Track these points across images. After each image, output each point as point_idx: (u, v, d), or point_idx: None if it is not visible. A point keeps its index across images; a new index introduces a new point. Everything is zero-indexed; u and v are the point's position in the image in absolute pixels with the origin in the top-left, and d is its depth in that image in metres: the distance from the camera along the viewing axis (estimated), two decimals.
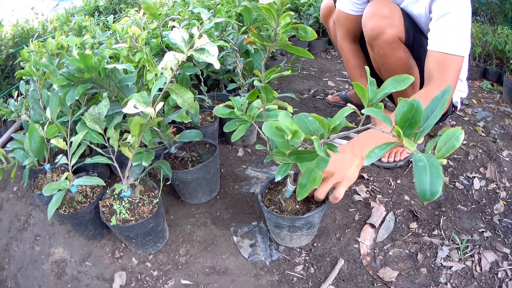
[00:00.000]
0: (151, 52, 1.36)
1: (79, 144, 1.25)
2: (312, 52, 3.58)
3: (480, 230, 1.33)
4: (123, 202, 1.24)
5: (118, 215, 1.21)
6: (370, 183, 1.58)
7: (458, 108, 1.77)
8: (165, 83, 1.04)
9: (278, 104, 1.06)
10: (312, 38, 0.86)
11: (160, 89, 1.06)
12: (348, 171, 1.12)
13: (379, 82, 1.83)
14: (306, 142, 0.96)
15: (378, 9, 1.49)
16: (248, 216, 1.45)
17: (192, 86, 1.83)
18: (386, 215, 1.41)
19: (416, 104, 0.65)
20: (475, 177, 1.61)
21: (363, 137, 1.23)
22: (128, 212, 1.22)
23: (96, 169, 1.61)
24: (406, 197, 1.50)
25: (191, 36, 1.00)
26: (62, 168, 1.49)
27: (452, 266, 1.20)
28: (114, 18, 3.18)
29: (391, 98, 1.94)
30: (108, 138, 1.22)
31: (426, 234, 1.33)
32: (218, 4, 1.86)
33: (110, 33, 1.73)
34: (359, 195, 1.51)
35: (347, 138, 1.80)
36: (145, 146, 1.24)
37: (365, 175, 1.62)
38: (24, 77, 1.54)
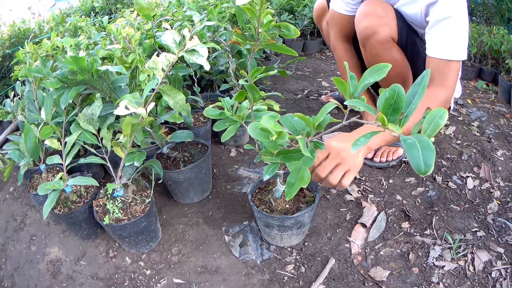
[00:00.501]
0: (144, 53, 1.37)
1: (73, 145, 1.26)
2: (306, 53, 3.59)
3: (473, 230, 1.34)
4: (116, 201, 1.25)
5: (111, 215, 1.22)
6: (362, 183, 1.59)
7: (451, 108, 1.78)
8: (157, 84, 1.05)
9: (266, 103, 1.07)
10: (295, 35, 0.87)
11: (153, 89, 1.07)
12: (356, 160, 1.14)
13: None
14: (293, 141, 0.97)
15: (372, 9, 1.49)
16: (239, 216, 1.46)
17: (185, 87, 1.84)
18: (378, 214, 1.41)
19: (397, 89, 0.65)
20: (468, 176, 1.62)
21: (367, 127, 1.23)
22: (121, 211, 1.23)
23: (90, 169, 1.62)
24: (398, 197, 1.50)
25: (183, 37, 1.01)
26: (57, 168, 1.50)
27: (444, 266, 1.20)
28: (110, 18, 3.19)
29: None
30: (102, 139, 1.23)
31: (418, 234, 1.33)
32: (212, 5, 1.87)
33: (105, 34, 1.74)
34: (351, 194, 1.52)
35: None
36: (138, 146, 1.25)
37: (357, 175, 1.63)
38: (20, 78, 1.55)
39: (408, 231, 1.35)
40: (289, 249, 1.30)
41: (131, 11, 1.80)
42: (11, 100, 1.73)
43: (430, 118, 0.61)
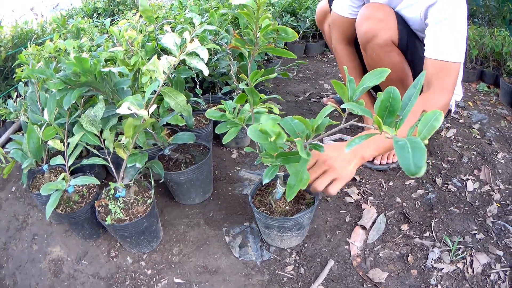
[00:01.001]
0: (146, 56, 1.38)
1: (76, 145, 1.27)
2: (308, 55, 3.60)
3: (472, 232, 1.34)
4: (118, 202, 1.26)
5: (113, 215, 1.23)
6: (362, 185, 1.59)
7: (452, 111, 1.78)
8: (158, 86, 1.06)
9: (267, 106, 1.08)
10: (293, 38, 0.87)
11: (155, 91, 1.08)
12: (346, 170, 1.12)
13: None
14: (293, 143, 0.98)
15: (372, 12, 1.50)
16: (240, 217, 1.47)
17: (188, 89, 1.85)
18: (377, 217, 1.42)
19: (392, 91, 0.66)
20: (468, 179, 1.62)
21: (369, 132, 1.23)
22: (123, 211, 1.24)
23: (92, 170, 1.63)
24: (398, 199, 1.51)
25: (184, 40, 1.03)
26: (60, 168, 1.51)
27: (443, 268, 1.21)
28: (112, 20, 3.20)
29: None
30: (104, 140, 1.24)
31: (417, 236, 1.34)
32: (214, 8, 1.88)
33: (108, 36, 1.75)
34: (351, 197, 1.53)
35: (341, 140, 1.82)
36: (140, 147, 1.26)
37: (357, 177, 1.64)
38: (23, 79, 1.56)
39: (408, 233, 1.35)
40: (288, 250, 1.31)
41: (133, 13, 1.81)
42: (14, 101, 1.75)
43: (425, 121, 0.61)
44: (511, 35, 2.68)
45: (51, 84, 1.13)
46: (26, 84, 1.66)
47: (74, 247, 1.42)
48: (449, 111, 1.79)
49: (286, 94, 2.62)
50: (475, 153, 1.80)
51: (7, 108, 1.75)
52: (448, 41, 1.32)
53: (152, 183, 1.28)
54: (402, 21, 1.51)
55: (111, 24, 1.80)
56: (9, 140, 2.16)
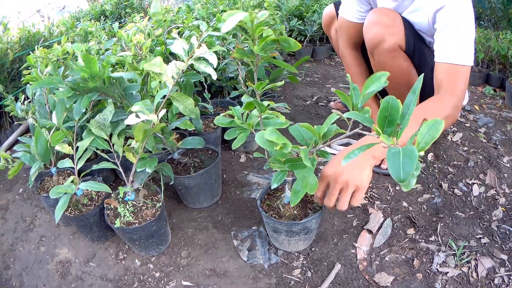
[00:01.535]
0: None
1: (85, 150, 1.28)
2: (316, 58, 3.60)
3: (477, 237, 1.35)
4: (127, 205, 1.27)
5: (122, 218, 1.24)
6: (369, 190, 1.60)
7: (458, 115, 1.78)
8: (167, 91, 1.07)
9: (274, 113, 1.09)
10: (295, 48, 0.86)
11: (165, 96, 1.09)
12: (362, 177, 1.08)
13: (381, 90, 1.86)
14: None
15: (379, 17, 1.50)
16: (248, 221, 1.48)
17: (196, 93, 1.86)
18: (384, 221, 1.43)
19: (391, 101, 0.65)
20: (474, 183, 1.62)
21: (367, 139, 1.20)
22: (132, 215, 1.25)
23: (101, 173, 1.64)
24: (404, 204, 1.52)
25: (192, 45, 1.04)
26: (68, 171, 1.52)
27: (448, 272, 1.21)
28: (120, 23, 3.21)
29: None
30: (113, 144, 1.25)
31: (423, 240, 1.34)
32: (221, 12, 1.89)
33: (116, 40, 1.76)
34: None
35: (349, 144, 1.83)
36: (149, 152, 1.27)
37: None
38: (31, 88, 1.57)
39: (413, 237, 1.36)
40: (296, 254, 1.31)
41: (141, 17, 1.82)
42: (21, 103, 1.76)
43: (424, 130, 0.60)
44: None
45: (59, 93, 1.13)
46: None
47: (82, 249, 1.43)
48: None
49: (294, 98, 2.62)
50: (481, 157, 1.80)
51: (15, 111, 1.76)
52: (457, 44, 1.32)
53: (162, 186, 1.29)
54: (409, 26, 1.51)
55: (119, 28, 1.81)
56: (17, 141, 2.17)
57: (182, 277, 1.28)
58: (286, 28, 3.35)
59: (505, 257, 1.26)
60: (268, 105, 1.03)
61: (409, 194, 1.57)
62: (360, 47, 1.84)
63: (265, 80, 0.99)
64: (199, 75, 1.36)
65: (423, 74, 0.70)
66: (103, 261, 1.37)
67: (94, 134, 1.23)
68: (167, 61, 1.54)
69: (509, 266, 1.22)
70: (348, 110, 0.81)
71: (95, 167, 1.27)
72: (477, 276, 1.20)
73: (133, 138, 1.14)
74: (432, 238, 1.35)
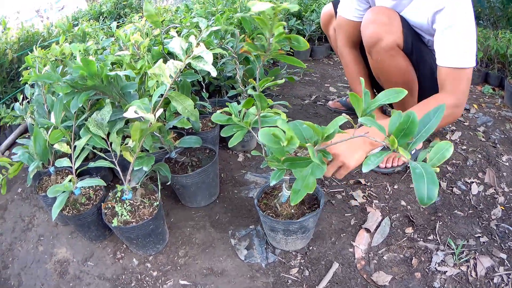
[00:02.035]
0: (153, 59, 1.39)
1: (83, 148, 1.28)
2: (314, 58, 3.60)
3: (476, 235, 1.34)
4: (125, 204, 1.27)
5: (119, 217, 1.24)
6: (367, 188, 1.60)
7: None
8: (165, 90, 1.07)
9: (274, 111, 1.09)
10: (304, 48, 0.88)
11: (162, 95, 1.09)
12: (351, 158, 1.11)
13: (379, 87, 1.85)
14: (300, 148, 0.98)
15: (377, 16, 1.50)
16: (246, 220, 1.48)
17: (194, 92, 1.86)
18: (382, 220, 1.43)
19: (412, 116, 0.68)
20: (473, 182, 1.62)
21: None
22: (129, 214, 1.25)
23: (99, 172, 1.64)
24: (403, 202, 1.52)
25: (190, 44, 1.03)
26: (66, 170, 1.53)
27: (446, 271, 1.21)
28: (118, 23, 3.21)
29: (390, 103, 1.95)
30: (111, 143, 1.25)
31: (422, 239, 1.34)
32: (220, 11, 1.88)
33: (114, 39, 1.76)
34: (356, 200, 1.53)
35: None
36: (147, 151, 1.27)
37: (362, 181, 1.64)
38: (29, 82, 1.57)
39: (412, 236, 1.36)
40: (293, 253, 1.31)
41: (139, 16, 1.82)
42: (20, 103, 1.76)
43: (436, 150, 0.66)
44: None
45: (58, 88, 1.14)
46: (32, 86, 1.68)
47: (80, 248, 1.43)
48: None
49: (292, 97, 2.62)
50: (479, 156, 1.80)
51: (13, 110, 1.76)
52: (457, 47, 1.32)
53: (159, 184, 1.29)
54: (407, 25, 1.51)
55: (117, 27, 1.81)
56: (15, 142, 2.18)
57: (180, 276, 1.27)
58: (284, 27, 3.34)
59: (504, 256, 1.26)
60: (267, 104, 1.03)
61: (407, 193, 1.57)
62: (359, 46, 1.83)
63: (268, 80, 0.99)
64: (197, 75, 1.36)
65: (444, 105, 0.71)
66: (101, 260, 1.37)
67: (91, 132, 1.23)
68: (165, 60, 1.54)
69: (508, 265, 1.22)
70: (348, 110, 0.82)
71: (92, 164, 1.27)
72: (476, 275, 1.20)
73: (130, 137, 1.14)
74: (431, 237, 1.35)
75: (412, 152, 1.73)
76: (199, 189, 1.47)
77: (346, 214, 1.47)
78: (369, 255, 1.30)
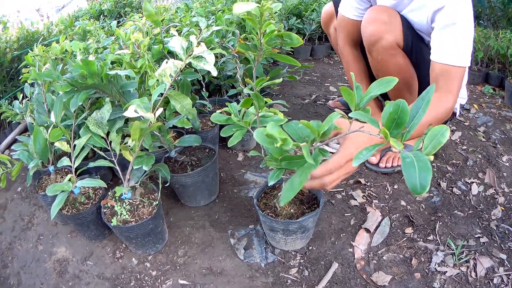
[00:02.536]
0: (153, 58, 1.38)
1: (83, 147, 1.28)
2: (314, 57, 3.60)
3: (476, 236, 1.34)
4: (124, 203, 1.27)
5: (119, 216, 1.24)
6: (367, 188, 1.60)
7: (457, 114, 1.78)
8: (165, 89, 1.07)
9: (272, 111, 1.08)
10: (297, 44, 0.88)
11: (162, 94, 1.09)
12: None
13: None
14: (298, 147, 0.98)
15: (377, 15, 1.50)
16: (245, 220, 1.48)
17: (194, 91, 1.86)
18: (382, 220, 1.43)
19: (401, 104, 0.66)
20: (473, 182, 1.62)
21: (361, 133, 1.19)
22: (129, 213, 1.25)
23: (99, 171, 1.64)
24: (403, 202, 1.52)
25: (190, 44, 1.03)
26: (66, 170, 1.53)
27: (446, 272, 1.21)
28: (119, 22, 3.21)
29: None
30: (110, 142, 1.25)
31: (421, 239, 1.34)
32: (219, 10, 1.88)
33: (114, 38, 1.76)
34: (356, 200, 1.53)
35: None
36: (146, 150, 1.27)
37: (362, 180, 1.64)
38: (29, 81, 1.57)
39: (412, 236, 1.36)
40: (293, 253, 1.31)
41: (140, 16, 1.81)
42: (20, 102, 1.76)
43: (431, 135, 0.62)
44: None
45: (58, 86, 1.14)
46: (32, 85, 1.68)
47: (79, 247, 1.43)
48: (454, 114, 1.79)
49: (292, 96, 2.62)
50: (480, 156, 1.80)
51: (12, 110, 1.76)
52: (454, 45, 1.32)
53: (160, 185, 1.28)
54: (407, 24, 1.51)
55: (117, 26, 1.80)
56: (15, 141, 2.18)
57: (179, 275, 1.27)
58: (284, 26, 3.35)
59: (504, 256, 1.26)
60: (266, 102, 1.03)
61: (407, 193, 1.57)
62: (359, 45, 1.83)
63: (265, 79, 0.99)
64: (197, 74, 1.36)
65: (433, 85, 0.70)
66: (100, 259, 1.37)
67: (91, 131, 1.23)
68: (163, 60, 1.54)
69: (508, 266, 1.22)
70: (348, 109, 0.81)
71: (91, 164, 1.27)
72: (476, 275, 1.20)
73: (130, 136, 1.13)
74: (431, 237, 1.35)
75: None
76: (199, 188, 1.47)
77: (345, 214, 1.47)
78: (369, 255, 1.29)
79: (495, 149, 1.86)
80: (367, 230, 1.38)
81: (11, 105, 1.94)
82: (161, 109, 1.06)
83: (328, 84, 2.89)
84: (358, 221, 1.43)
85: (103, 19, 3.93)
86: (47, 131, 1.32)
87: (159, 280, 1.26)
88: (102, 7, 4.02)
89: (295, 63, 0.97)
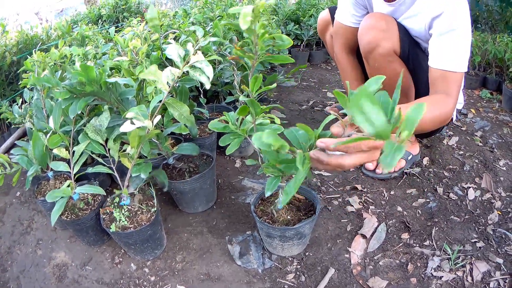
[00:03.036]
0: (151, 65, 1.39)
1: (82, 153, 1.29)
2: (312, 63, 3.60)
3: (472, 241, 1.35)
4: (123, 210, 1.28)
5: (117, 222, 1.25)
6: (364, 194, 1.61)
7: (454, 119, 1.79)
8: (162, 97, 1.08)
9: (269, 117, 1.09)
10: (288, 45, 0.89)
11: (161, 101, 1.10)
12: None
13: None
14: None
15: (374, 22, 1.50)
16: (243, 226, 1.49)
17: (192, 98, 1.87)
18: (378, 226, 1.44)
19: (381, 97, 0.68)
20: (470, 187, 1.63)
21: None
22: (127, 219, 1.26)
23: (97, 177, 1.64)
24: (399, 208, 1.52)
25: (187, 52, 1.04)
26: (65, 175, 1.53)
27: (442, 276, 1.22)
28: (117, 27, 3.21)
29: None
30: (109, 149, 1.26)
31: (418, 245, 1.35)
32: (218, 16, 1.89)
33: (113, 43, 1.77)
34: (352, 206, 1.54)
35: None
36: (145, 157, 1.28)
37: (358, 186, 1.65)
38: (28, 86, 1.57)
39: (408, 242, 1.37)
40: (290, 259, 1.32)
41: (138, 21, 1.82)
42: (19, 107, 1.77)
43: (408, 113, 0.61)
44: None
45: (57, 93, 1.15)
46: (31, 90, 1.68)
47: (78, 253, 1.44)
48: (451, 119, 1.80)
49: (290, 102, 2.63)
50: (476, 160, 1.81)
51: (12, 112, 1.77)
52: (452, 51, 1.33)
53: (153, 192, 1.29)
54: (404, 31, 1.51)
55: (116, 32, 1.81)
56: (14, 145, 2.18)
57: (177, 281, 1.28)
58: (282, 32, 3.36)
59: (500, 260, 1.26)
60: (261, 109, 1.04)
61: (403, 199, 1.58)
62: (356, 52, 1.84)
63: (260, 78, 1.00)
64: (195, 81, 1.37)
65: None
66: (99, 264, 1.38)
67: (90, 138, 1.24)
68: (163, 66, 1.55)
69: (505, 270, 1.23)
70: (344, 115, 0.82)
71: (90, 170, 1.27)
72: (472, 280, 1.20)
73: (128, 144, 1.14)
74: (427, 243, 1.36)
75: (409, 157, 1.74)
76: (197, 195, 1.48)
77: (342, 220, 1.48)
78: (365, 260, 1.30)
79: (492, 153, 1.87)
80: (364, 236, 1.39)
81: (10, 108, 1.95)
82: (159, 117, 1.07)
83: (326, 90, 2.90)
84: (354, 227, 1.44)
85: (102, 23, 3.93)
86: (46, 137, 1.32)
87: (158, 286, 1.27)
88: (101, 12, 4.01)
89: (289, 61, 0.99)
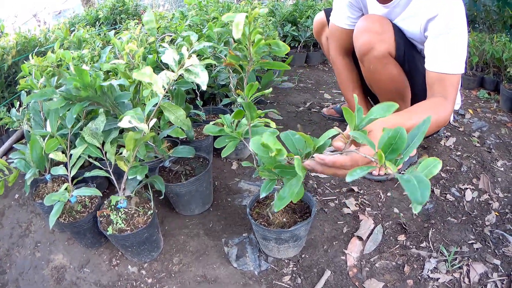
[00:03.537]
0: None
1: (79, 157, 1.29)
2: (309, 64, 3.61)
3: (469, 242, 1.35)
4: (120, 212, 1.29)
5: (114, 225, 1.26)
6: (360, 196, 1.61)
7: (451, 120, 1.79)
8: (158, 101, 1.08)
9: (264, 121, 1.09)
10: (285, 52, 0.89)
11: (156, 104, 1.10)
12: None
13: (372, 94, 1.85)
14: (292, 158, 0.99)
15: (369, 24, 1.50)
16: (239, 228, 1.49)
17: (188, 100, 1.87)
18: (375, 227, 1.44)
19: (400, 132, 0.68)
20: (467, 188, 1.63)
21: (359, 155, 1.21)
22: (124, 222, 1.27)
23: (95, 180, 1.65)
24: (396, 210, 1.53)
25: (182, 56, 1.04)
26: (63, 178, 1.54)
27: (439, 278, 1.22)
28: (115, 28, 3.21)
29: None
30: (106, 152, 1.26)
31: (414, 246, 1.35)
32: (213, 19, 1.89)
33: (111, 46, 1.77)
34: (348, 208, 1.54)
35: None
36: (141, 160, 1.28)
37: (355, 188, 1.65)
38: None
39: (404, 243, 1.37)
40: (286, 261, 1.32)
41: (135, 23, 1.82)
42: (17, 110, 1.77)
43: (424, 165, 0.65)
44: (511, 40, 2.68)
45: (53, 104, 1.15)
46: (29, 93, 1.68)
47: (76, 255, 1.45)
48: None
49: (287, 104, 2.63)
50: (474, 161, 1.81)
51: (10, 117, 1.77)
52: (448, 53, 1.33)
53: (151, 195, 1.30)
54: (399, 33, 1.51)
55: (114, 34, 1.81)
56: (11, 148, 2.19)
57: (174, 283, 1.29)
58: (280, 34, 3.36)
59: (498, 262, 1.26)
60: (257, 113, 1.04)
61: (400, 201, 1.58)
62: (351, 54, 1.84)
63: (255, 86, 1.00)
64: (191, 83, 1.37)
65: (430, 117, 0.72)
66: (97, 267, 1.38)
67: (87, 142, 1.24)
68: (159, 68, 1.55)
69: (502, 271, 1.23)
70: (341, 117, 0.83)
71: (87, 174, 1.28)
72: (469, 281, 1.21)
73: (124, 146, 1.15)
74: (423, 244, 1.36)
75: (406, 159, 1.74)
76: (193, 197, 1.49)
77: (338, 222, 1.48)
78: (361, 262, 1.31)
79: (489, 154, 1.87)
80: (360, 238, 1.39)
81: (8, 112, 1.96)
82: (154, 120, 1.07)
83: (323, 92, 2.90)
84: (351, 229, 1.45)
85: (99, 25, 3.93)
86: (44, 141, 1.33)
87: (155, 287, 1.28)
88: (99, 14, 4.01)
89: (285, 68, 0.99)
